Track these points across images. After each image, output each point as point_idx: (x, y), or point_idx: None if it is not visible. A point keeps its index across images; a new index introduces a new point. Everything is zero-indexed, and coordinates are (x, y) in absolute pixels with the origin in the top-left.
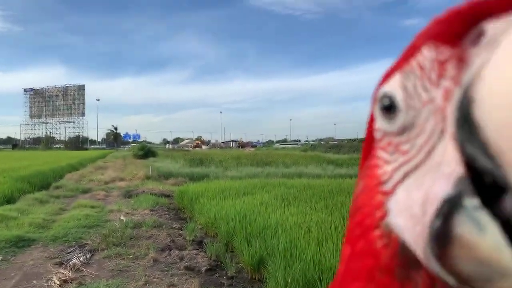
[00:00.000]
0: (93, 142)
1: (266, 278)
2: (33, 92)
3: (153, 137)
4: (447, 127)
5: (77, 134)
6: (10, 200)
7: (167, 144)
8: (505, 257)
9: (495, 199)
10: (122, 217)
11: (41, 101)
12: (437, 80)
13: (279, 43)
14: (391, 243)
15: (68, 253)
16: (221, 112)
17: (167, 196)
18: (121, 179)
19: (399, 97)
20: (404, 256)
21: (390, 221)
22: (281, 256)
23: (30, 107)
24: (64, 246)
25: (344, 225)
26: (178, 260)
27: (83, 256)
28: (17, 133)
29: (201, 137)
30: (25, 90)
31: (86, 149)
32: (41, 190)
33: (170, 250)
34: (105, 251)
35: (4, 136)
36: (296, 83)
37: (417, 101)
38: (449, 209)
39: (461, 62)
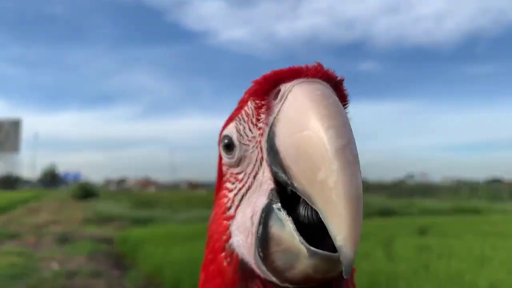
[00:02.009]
0: (27, 181)
1: None
2: None
3: (96, 176)
4: (264, 155)
5: (8, 172)
6: None
7: (110, 184)
8: (296, 241)
9: (295, 204)
10: (54, 265)
11: None
12: (256, 122)
13: (236, 82)
14: (232, 261)
15: None
16: (171, 150)
17: (108, 241)
18: (57, 222)
19: (235, 137)
20: (243, 270)
21: (232, 241)
22: None
23: None
24: None
25: None
26: None
27: None
28: None
29: (148, 177)
30: None
31: (18, 189)
32: None
33: None
34: None
35: None
36: None
37: (246, 139)
38: (266, 215)
39: (268, 109)
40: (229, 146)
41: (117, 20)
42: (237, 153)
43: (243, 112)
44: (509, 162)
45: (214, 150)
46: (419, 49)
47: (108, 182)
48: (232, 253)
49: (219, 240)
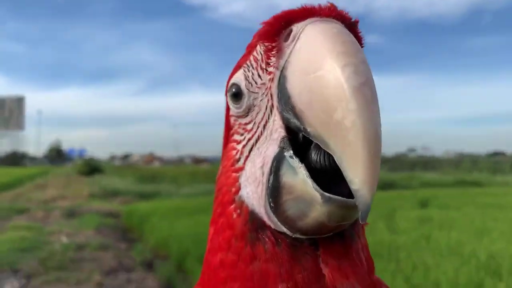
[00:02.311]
0: (33, 158)
1: None
2: None
3: (101, 153)
4: (274, 102)
5: (13, 149)
6: None
7: (115, 160)
8: (309, 188)
9: (308, 151)
10: (63, 239)
11: None
12: (266, 67)
13: (237, 55)
14: (242, 213)
15: (0, 279)
16: (175, 126)
17: (114, 215)
18: (64, 198)
19: (243, 85)
20: (253, 221)
21: (242, 193)
22: None
23: None
24: None
25: None
26: (125, 284)
27: (17, 282)
28: None
29: (152, 153)
30: None
31: (25, 165)
32: None
33: (117, 273)
34: (44, 276)
35: None
36: None
37: (255, 86)
38: (277, 163)
39: (279, 52)
40: (237, 95)
41: None
42: (245, 101)
43: (251, 57)
44: (511, 135)
45: (217, 125)
46: (422, 22)
47: (112, 158)
48: (241, 205)
49: (228, 193)
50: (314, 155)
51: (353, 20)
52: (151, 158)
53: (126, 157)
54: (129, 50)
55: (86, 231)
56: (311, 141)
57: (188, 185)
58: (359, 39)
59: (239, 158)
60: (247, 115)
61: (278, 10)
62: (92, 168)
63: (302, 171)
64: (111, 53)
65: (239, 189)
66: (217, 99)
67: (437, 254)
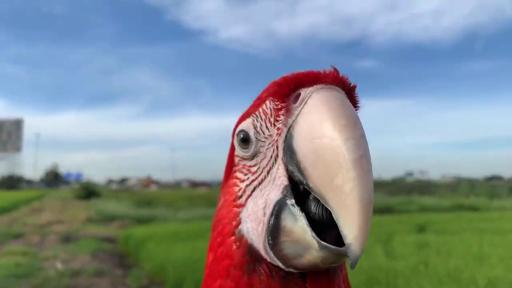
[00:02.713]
0: (29, 181)
1: None
2: None
3: (98, 176)
4: (279, 153)
5: (10, 172)
6: None
7: (112, 184)
8: (307, 235)
9: (305, 200)
10: (58, 265)
11: None
12: (274, 122)
13: (236, 80)
14: (241, 245)
15: None
16: (172, 150)
17: (111, 240)
18: (60, 222)
19: (251, 133)
20: (251, 254)
21: (242, 228)
22: None
23: None
24: None
25: None
26: None
27: None
28: None
29: (150, 176)
30: None
31: (21, 189)
32: None
33: None
34: None
35: None
36: None
37: (262, 136)
38: (279, 208)
39: (288, 112)
40: (245, 140)
41: (117, 19)
42: (252, 148)
43: (260, 109)
44: (508, 159)
45: (214, 149)
46: (417, 46)
47: (110, 182)
48: (241, 238)
49: (228, 225)
50: (313, 208)
51: (352, 85)
52: (148, 182)
53: (123, 180)
54: (128, 74)
55: (82, 256)
56: (309, 192)
57: (185, 209)
58: (355, 102)
59: (241, 195)
60: (253, 159)
61: (276, 36)
62: (89, 192)
63: (302, 220)
64: (111, 76)
65: (239, 223)
66: (215, 123)
67: (435, 280)
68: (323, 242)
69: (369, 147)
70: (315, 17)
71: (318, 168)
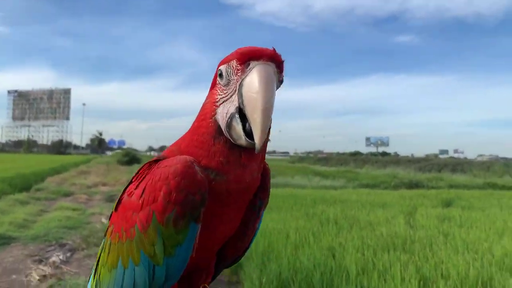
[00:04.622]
0: (76, 147)
1: (242, 280)
2: (17, 94)
3: (139, 144)
4: (236, 90)
5: (60, 138)
6: None
7: (152, 152)
8: (241, 132)
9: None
10: (103, 220)
11: (25, 103)
12: (236, 73)
13: None
14: (214, 124)
15: (48, 251)
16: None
17: None
18: (104, 184)
19: (224, 73)
20: (218, 129)
21: (216, 116)
22: (258, 259)
23: (13, 109)
24: (44, 245)
25: (321, 231)
26: None
27: (63, 254)
28: None
29: None
30: (9, 91)
31: (69, 153)
32: (22, 192)
33: None
34: (85, 250)
35: None
36: (287, 95)
37: (230, 76)
38: (231, 115)
39: (242, 71)
40: (220, 76)
41: None
42: (224, 80)
43: (230, 63)
44: None
45: None
46: (459, 21)
47: (150, 149)
48: (214, 121)
49: (209, 113)
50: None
51: (281, 61)
52: None
53: (162, 149)
54: (168, 47)
55: None
56: None
57: None
58: (282, 69)
59: (217, 101)
60: (225, 86)
61: (312, 10)
62: (130, 157)
63: (240, 124)
64: (152, 49)
65: (215, 113)
66: None
67: (451, 249)
68: (247, 138)
69: (405, 123)
70: None
71: (249, 107)
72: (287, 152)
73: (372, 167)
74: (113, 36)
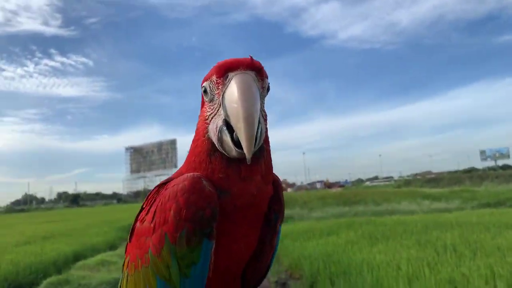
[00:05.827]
0: None
1: None
2: (133, 150)
3: None
4: (221, 104)
5: None
6: (112, 247)
7: None
8: (230, 143)
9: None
10: None
11: (139, 157)
12: (217, 87)
13: (359, 78)
14: (207, 141)
15: None
16: (304, 153)
17: None
18: None
19: (208, 89)
20: (212, 146)
21: (208, 133)
22: None
23: (131, 164)
24: None
25: (438, 261)
26: None
27: None
28: (120, 188)
29: (286, 179)
30: (126, 148)
31: None
32: None
33: None
34: None
35: (110, 192)
36: (380, 116)
37: (213, 92)
38: (220, 129)
39: (222, 84)
40: (205, 92)
41: (243, 40)
42: (209, 96)
43: (211, 78)
44: None
45: (340, 150)
46: None
47: None
48: (208, 138)
49: (202, 131)
50: (234, 133)
51: (260, 68)
52: (285, 185)
53: None
54: None
55: None
56: None
57: (319, 208)
58: (263, 75)
59: (208, 118)
60: (210, 102)
61: (396, 28)
62: None
63: (228, 136)
64: None
65: (207, 131)
66: (340, 124)
67: None
68: (236, 148)
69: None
70: None
71: (232, 117)
72: (391, 177)
73: (492, 183)
74: None
